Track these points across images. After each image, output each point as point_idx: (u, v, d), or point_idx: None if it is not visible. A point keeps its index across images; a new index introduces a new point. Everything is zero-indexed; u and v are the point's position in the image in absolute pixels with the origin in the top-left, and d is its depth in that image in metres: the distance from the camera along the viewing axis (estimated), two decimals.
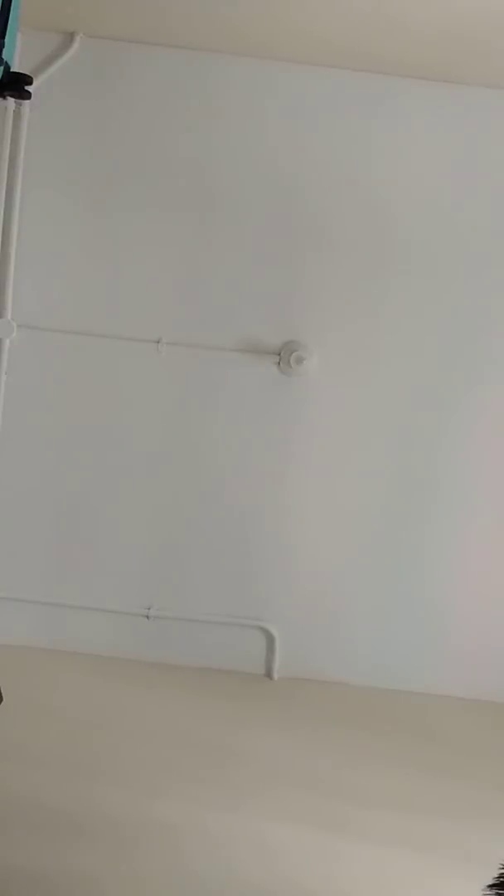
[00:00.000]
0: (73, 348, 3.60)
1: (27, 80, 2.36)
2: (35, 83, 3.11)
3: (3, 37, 2.14)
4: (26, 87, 2.36)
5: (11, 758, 2.82)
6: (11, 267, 3.55)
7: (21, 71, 2.43)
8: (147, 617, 3.71)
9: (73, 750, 2.97)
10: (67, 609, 3.70)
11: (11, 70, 2.29)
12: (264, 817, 2.72)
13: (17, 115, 3.48)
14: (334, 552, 3.70)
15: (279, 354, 3.60)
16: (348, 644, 3.73)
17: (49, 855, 2.42)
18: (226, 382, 3.64)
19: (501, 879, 1.39)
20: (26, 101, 3.39)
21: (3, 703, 2.59)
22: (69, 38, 3.49)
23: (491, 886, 1.39)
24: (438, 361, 3.63)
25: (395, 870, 2.46)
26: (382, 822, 2.76)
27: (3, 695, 2.60)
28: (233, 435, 3.66)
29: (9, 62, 2.23)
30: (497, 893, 1.39)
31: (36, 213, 3.55)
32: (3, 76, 2.25)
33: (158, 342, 3.59)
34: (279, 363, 3.60)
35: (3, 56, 2.17)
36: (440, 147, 3.56)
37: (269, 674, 3.74)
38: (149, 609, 3.71)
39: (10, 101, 3.36)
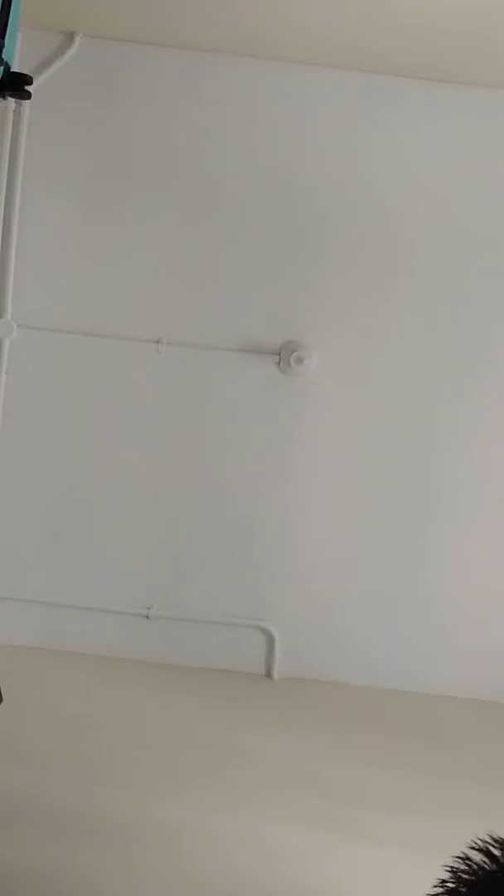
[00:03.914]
0: (73, 348, 3.60)
1: (27, 80, 2.36)
2: (35, 83, 3.10)
3: (3, 37, 2.14)
4: (26, 87, 2.36)
5: (11, 758, 2.82)
6: (11, 267, 3.55)
7: (21, 71, 2.42)
8: (147, 617, 3.71)
9: (74, 750, 2.97)
10: (67, 609, 3.70)
11: (11, 70, 2.29)
12: (265, 817, 2.72)
13: (17, 115, 3.48)
14: (334, 552, 3.70)
15: (279, 354, 3.60)
16: (348, 644, 3.73)
17: (49, 855, 2.42)
18: (226, 382, 3.64)
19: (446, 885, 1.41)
20: (26, 101, 3.39)
21: (2, 703, 2.59)
22: (69, 38, 3.49)
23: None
24: (438, 361, 3.63)
25: (395, 870, 2.46)
26: (383, 822, 2.75)
27: (3, 695, 2.60)
28: (233, 435, 3.66)
29: (9, 62, 2.22)
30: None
31: (36, 212, 3.55)
32: (3, 76, 2.24)
33: (158, 342, 3.59)
34: (279, 363, 3.60)
35: (3, 56, 2.16)
36: (442, 147, 3.56)
37: (269, 674, 3.74)
38: (149, 609, 3.71)
39: (10, 101, 3.36)
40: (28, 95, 2.45)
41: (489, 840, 1.42)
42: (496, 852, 1.40)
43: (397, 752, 3.20)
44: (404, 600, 3.70)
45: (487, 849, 1.41)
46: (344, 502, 3.69)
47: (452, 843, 1.45)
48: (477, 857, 1.40)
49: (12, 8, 2.15)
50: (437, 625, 3.71)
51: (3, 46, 2.14)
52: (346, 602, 3.71)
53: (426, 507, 3.69)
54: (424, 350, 3.63)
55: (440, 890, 1.40)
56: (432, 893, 1.42)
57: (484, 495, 3.68)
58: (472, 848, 1.42)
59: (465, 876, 1.39)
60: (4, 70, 2.23)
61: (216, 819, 2.68)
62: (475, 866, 1.39)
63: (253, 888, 2.40)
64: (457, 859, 1.42)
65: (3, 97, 2.41)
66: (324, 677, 3.72)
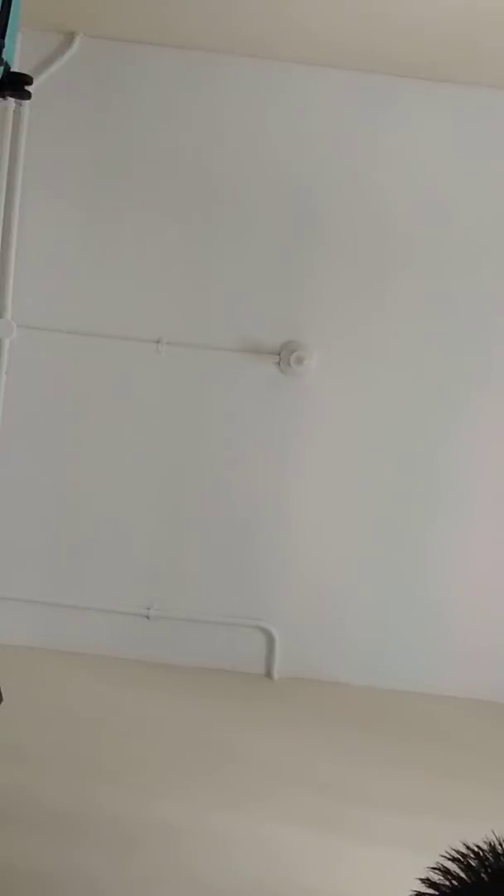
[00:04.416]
0: (73, 348, 3.60)
1: (27, 80, 2.36)
2: (35, 83, 3.09)
3: (3, 37, 2.14)
4: (26, 87, 2.36)
5: (11, 758, 2.82)
6: (11, 267, 3.55)
7: (21, 71, 2.43)
8: (147, 617, 3.71)
9: (74, 750, 2.97)
10: (67, 609, 3.70)
11: (11, 70, 2.29)
12: (265, 817, 2.72)
13: (17, 115, 3.48)
14: (335, 552, 3.70)
15: (279, 354, 3.60)
16: (348, 644, 3.73)
17: (49, 855, 2.42)
18: (226, 382, 3.64)
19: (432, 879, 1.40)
20: (26, 101, 3.38)
21: (2, 703, 2.59)
22: (69, 38, 3.48)
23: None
24: (439, 361, 3.63)
25: (395, 870, 2.45)
26: (383, 822, 2.76)
27: (3, 695, 2.60)
28: (233, 435, 3.66)
29: (9, 62, 2.23)
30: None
31: (36, 212, 3.55)
32: (3, 76, 2.25)
33: (158, 342, 3.59)
34: (279, 363, 3.60)
35: (3, 56, 2.17)
36: (442, 147, 3.56)
37: (269, 674, 3.74)
38: (149, 609, 3.71)
39: (10, 101, 3.36)
40: (28, 95, 2.45)
41: (466, 850, 1.41)
42: (473, 863, 1.39)
43: (397, 752, 3.20)
44: (404, 600, 3.70)
45: (465, 859, 1.39)
46: (344, 502, 3.69)
47: (452, 843, 1.45)
48: (454, 867, 1.39)
49: (12, 8, 2.15)
50: (437, 625, 3.71)
51: (3, 46, 2.14)
52: (346, 602, 3.71)
53: (426, 507, 3.69)
54: (424, 350, 3.63)
55: None
56: None
57: (484, 495, 3.68)
58: (449, 858, 1.40)
59: (442, 887, 1.38)
60: (4, 70, 2.23)
61: (216, 819, 2.68)
62: (452, 877, 1.38)
63: (253, 888, 2.40)
64: (433, 870, 1.40)
65: (3, 97, 2.41)
66: (324, 677, 3.72)
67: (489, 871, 1.37)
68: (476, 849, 1.41)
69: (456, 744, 3.35)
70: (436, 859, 1.42)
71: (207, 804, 2.75)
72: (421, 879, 1.40)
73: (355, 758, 3.15)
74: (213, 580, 3.72)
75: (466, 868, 1.38)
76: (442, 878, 1.38)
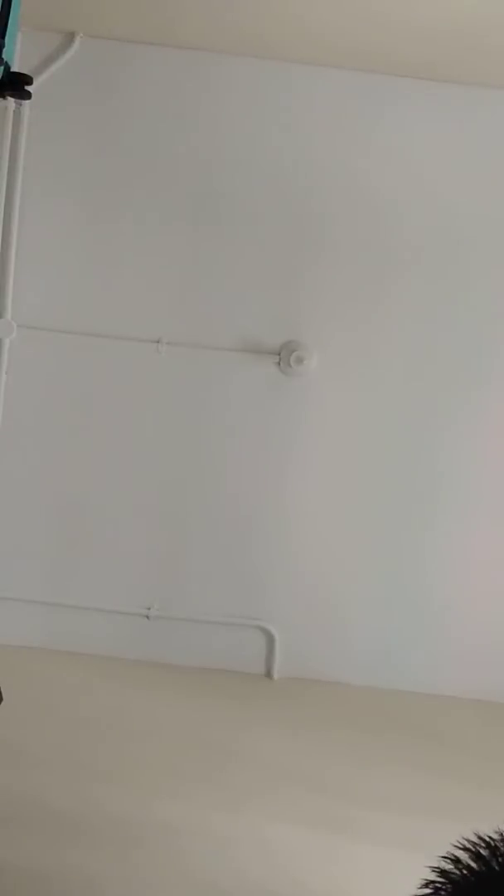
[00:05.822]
0: (73, 348, 3.60)
1: (27, 80, 2.36)
2: (35, 83, 3.10)
3: (3, 37, 2.14)
4: (26, 87, 2.36)
5: (11, 758, 2.82)
6: (11, 267, 3.55)
7: (21, 71, 2.43)
8: (147, 617, 3.71)
9: (74, 750, 2.97)
10: (67, 609, 3.70)
11: (11, 70, 2.29)
12: (265, 817, 2.72)
13: (17, 115, 3.48)
14: (335, 552, 3.70)
15: (279, 354, 3.60)
16: (348, 644, 3.73)
17: (49, 855, 2.42)
18: (226, 382, 3.64)
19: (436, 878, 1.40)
20: (26, 101, 3.38)
21: (2, 702, 2.59)
22: (69, 38, 3.48)
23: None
24: (439, 361, 3.63)
25: (395, 870, 2.45)
26: (383, 822, 2.75)
27: (3, 695, 2.60)
28: (233, 435, 3.66)
29: (9, 62, 2.23)
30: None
31: (36, 212, 3.55)
32: (3, 76, 2.25)
33: (158, 342, 3.59)
34: (279, 363, 3.60)
35: (3, 56, 2.17)
36: (442, 148, 3.55)
37: (269, 674, 3.74)
38: (149, 609, 3.71)
39: (10, 101, 3.36)
40: (28, 95, 2.46)
41: (477, 840, 1.41)
42: (483, 852, 1.39)
43: (397, 752, 3.20)
44: (404, 600, 3.70)
45: (475, 849, 1.40)
46: (344, 502, 3.69)
47: (452, 843, 1.45)
48: (464, 856, 1.39)
49: (12, 8, 2.15)
50: (438, 625, 3.71)
51: (3, 46, 2.14)
52: (346, 602, 3.71)
53: (426, 506, 3.69)
54: (424, 350, 3.63)
55: (427, 891, 1.39)
56: (418, 894, 1.41)
57: (484, 495, 3.68)
58: (460, 847, 1.41)
59: (452, 876, 1.38)
60: (4, 70, 2.23)
61: (216, 819, 2.68)
62: (462, 867, 1.38)
63: (253, 888, 2.40)
64: (444, 859, 1.41)
65: (3, 97, 2.41)
66: (324, 677, 3.72)
67: (500, 860, 1.37)
68: (487, 839, 1.41)
69: (456, 744, 3.35)
70: (437, 858, 1.42)
71: (208, 804, 2.75)
72: (431, 868, 1.40)
73: (356, 758, 3.15)
74: (213, 580, 3.72)
75: (476, 857, 1.38)
76: (452, 867, 1.38)
